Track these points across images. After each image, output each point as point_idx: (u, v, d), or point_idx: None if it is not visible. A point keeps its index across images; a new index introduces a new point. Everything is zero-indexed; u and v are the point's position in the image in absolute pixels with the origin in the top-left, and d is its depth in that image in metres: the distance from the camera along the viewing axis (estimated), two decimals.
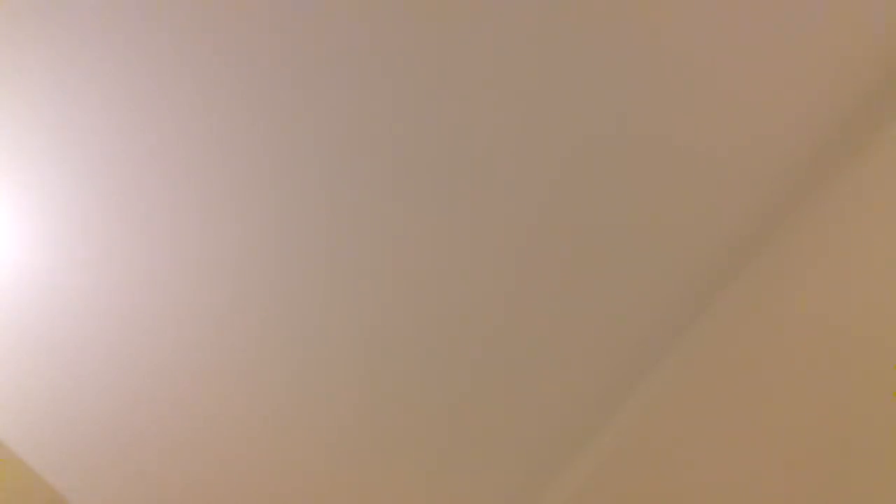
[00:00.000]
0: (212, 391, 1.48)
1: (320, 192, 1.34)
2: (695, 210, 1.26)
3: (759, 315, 1.25)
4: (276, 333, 1.44)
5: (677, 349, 1.33)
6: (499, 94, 1.24)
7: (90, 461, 1.52)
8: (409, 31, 1.22)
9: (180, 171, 1.35)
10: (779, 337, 1.22)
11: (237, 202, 1.36)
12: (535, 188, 1.29)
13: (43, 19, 1.28)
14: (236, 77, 1.28)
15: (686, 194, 1.26)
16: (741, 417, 1.23)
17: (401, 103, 1.26)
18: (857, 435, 1.10)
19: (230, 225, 1.38)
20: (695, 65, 1.18)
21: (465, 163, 1.29)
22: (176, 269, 1.42)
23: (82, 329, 1.47)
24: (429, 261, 1.36)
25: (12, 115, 1.35)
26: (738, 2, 1.13)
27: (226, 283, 1.42)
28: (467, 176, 1.30)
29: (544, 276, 1.34)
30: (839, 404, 1.12)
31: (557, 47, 1.20)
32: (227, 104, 1.30)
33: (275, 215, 1.36)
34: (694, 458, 1.27)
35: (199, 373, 1.47)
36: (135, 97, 1.31)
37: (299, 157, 1.32)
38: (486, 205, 1.31)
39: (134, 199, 1.38)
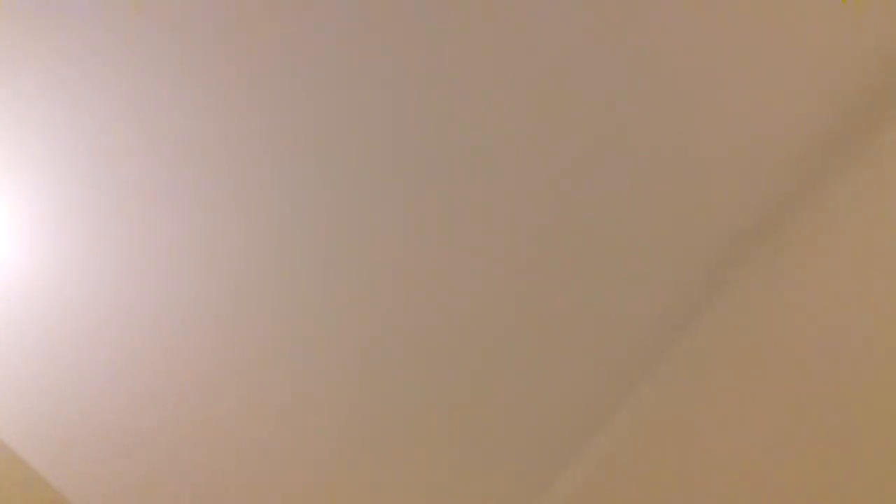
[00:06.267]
0: (212, 390, 1.48)
1: (323, 191, 1.34)
2: (695, 210, 1.26)
3: (758, 315, 1.25)
4: (277, 332, 1.44)
5: (677, 349, 1.33)
6: (502, 97, 1.24)
7: (91, 460, 1.53)
8: (413, 32, 1.22)
9: (181, 171, 1.35)
10: (778, 336, 1.22)
11: (238, 202, 1.36)
12: (537, 190, 1.29)
13: (43, 19, 1.28)
14: (237, 77, 1.28)
15: (686, 195, 1.26)
16: (741, 417, 1.24)
17: (405, 104, 1.26)
18: (857, 434, 1.10)
19: (231, 225, 1.38)
20: (695, 66, 1.18)
21: (467, 165, 1.29)
22: (176, 268, 1.42)
23: (82, 329, 1.47)
24: (430, 262, 1.36)
25: (12, 116, 1.35)
26: (739, 3, 1.13)
27: (226, 282, 1.42)
28: (469, 178, 1.30)
29: (544, 277, 1.34)
30: (839, 403, 1.12)
31: (559, 50, 1.20)
32: (229, 105, 1.30)
33: (277, 214, 1.36)
34: (693, 457, 1.27)
35: (199, 372, 1.48)
36: (135, 97, 1.31)
37: (301, 156, 1.32)
38: (488, 206, 1.31)
39: (135, 198, 1.38)
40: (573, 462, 1.43)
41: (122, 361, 1.48)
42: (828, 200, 1.19)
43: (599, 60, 1.20)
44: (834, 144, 1.18)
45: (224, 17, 1.24)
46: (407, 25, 1.21)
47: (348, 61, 1.24)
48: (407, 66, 1.24)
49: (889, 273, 1.10)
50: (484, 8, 1.18)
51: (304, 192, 1.34)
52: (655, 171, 1.25)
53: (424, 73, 1.24)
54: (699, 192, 1.25)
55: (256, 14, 1.23)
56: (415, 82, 1.25)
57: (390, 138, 1.29)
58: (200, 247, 1.40)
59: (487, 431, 1.46)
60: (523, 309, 1.37)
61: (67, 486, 1.53)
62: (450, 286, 1.37)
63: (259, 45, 1.25)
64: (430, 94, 1.25)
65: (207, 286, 1.42)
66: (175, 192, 1.37)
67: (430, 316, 1.40)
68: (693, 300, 1.31)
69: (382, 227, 1.35)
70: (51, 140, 1.36)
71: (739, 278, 1.28)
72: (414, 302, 1.39)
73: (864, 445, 1.08)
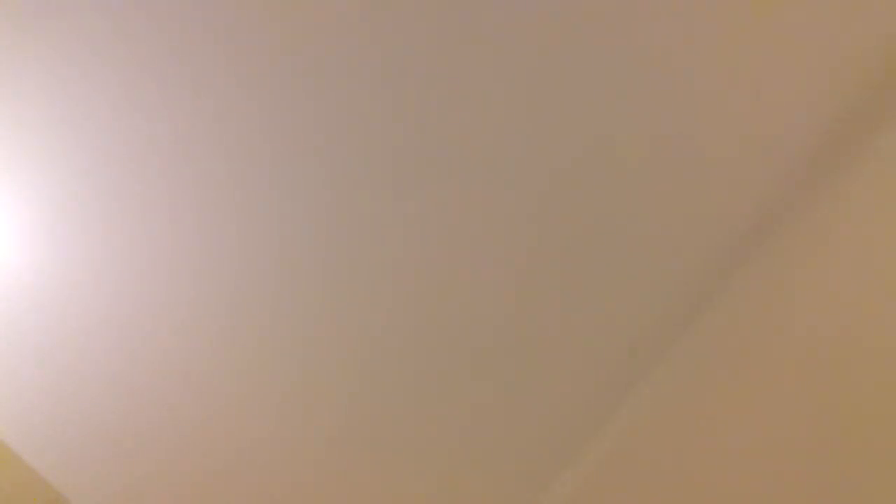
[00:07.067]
0: (213, 390, 1.48)
1: (321, 190, 1.34)
2: (695, 211, 1.26)
3: (759, 315, 1.25)
4: (277, 332, 1.44)
5: (677, 349, 1.33)
6: (500, 96, 1.24)
7: (92, 460, 1.53)
8: (412, 31, 1.21)
9: (180, 170, 1.35)
10: (778, 337, 1.22)
11: (237, 201, 1.36)
12: (537, 190, 1.29)
13: (43, 19, 1.28)
14: (237, 76, 1.28)
15: (685, 195, 1.26)
16: (741, 417, 1.23)
17: (403, 103, 1.26)
18: (858, 434, 1.10)
19: (230, 224, 1.38)
20: (695, 66, 1.18)
21: (466, 165, 1.29)
22: (176, 268, 1.42)
23: (82, 329, 1.47)
24: (430, 261, 1.36)
25: (12, 115, 1.35)
26: (740, 3, 1.13)
27: (226, 282, 1.42)
28: (468, 179, 1.30)
29: (544, 277, 1.34)
30: (839, 403, 1.12)
31: (558, 48, 1.20)
32: (228, 103, 1.30)
33: (276, 212, 1.36)
34: (694, 458, 1.27)
35: (199, 371, 1.48)
36: (135, 97, 1.31)
37: (300, 155, 1.32)
38: (487, 207, 1.31)
39: (134, 198, 1.38)
40: (573, 462, 1.43)
41: (122, 361, 1.48)
42: (828, 200, 1.19)
43: (599, 60, 1.20)
44: (834, 144, 1.18)
45: (224, 18, 1.24)
46: (407, 26, 1.21)
47: (348, 62, 1.24)
48: (406, 68, 1.24)
49: (889, 273, 1.10)
50: (484, 8, 1.18)
51: (304, 192, 1.34)
52: (655, 171, 1.25)
53: (423, 74, 1.24)
54: (699, 192, 1.25)
55: (257, 14, 1.23)
56: (413, 83, 1.25)
57: (388, 140, 1.29)
58: (200, 247, 1.40)
59: (487, 431, 1.46)
60: (523, 308, 1.37)
61: (67, 486, 1.53)
62: (449, 286, 1.37)
63: (259, 45, 1.25)
64: (430, 95, 1.25)
65: (207, 286, 1.42)
66: (175, 192, 1.37)
67: (430, 316, 1.39)
68: (693, 300, 1.31)
69: (381, 228, 1.35)
70: (51, 140, 1.36)
71: (739, 278, 1.28)
72: (413, 301, 1.39)
73: (864, 446, 1.08)
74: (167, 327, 1.45)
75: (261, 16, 1.23)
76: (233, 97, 1.29)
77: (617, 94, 1.21)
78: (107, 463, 1.53)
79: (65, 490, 1.52)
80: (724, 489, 1.23)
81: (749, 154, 1.22)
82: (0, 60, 1.31)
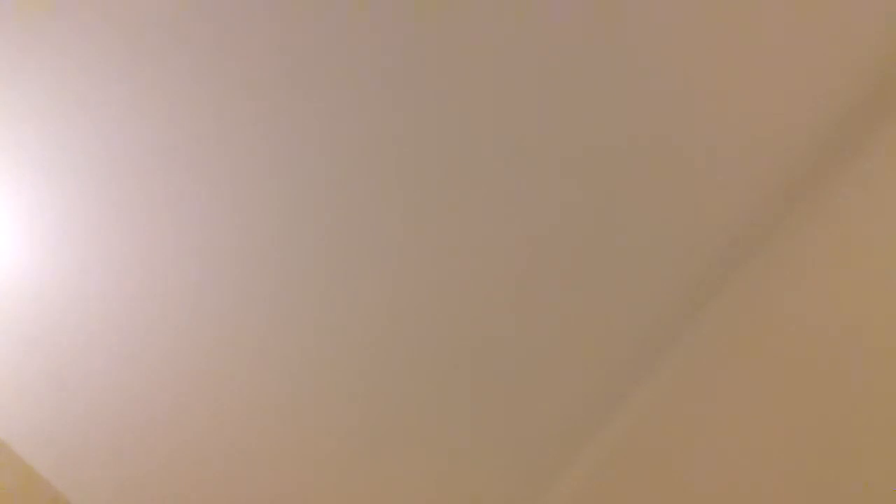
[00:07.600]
0: (213, 390, 1.48)
1: (324, 193, 1.34)
2: (695, 211, 1.26)
3: (759, 315, 1.25)
4: (277, 333, 1.44)
5: (677, 349, 1.33)
6: (500, 96, 1.24)
7: (91, 460, 1.53)
8: (414, 34, 1.22)
9: (181, 171, 1.35)
10: (778, 337, 1.22)
11: (239, 200, 1.36)
12: (538, 189, 1.29)
13: (43, 19, 1.28)
14: (238, 76, 1.28)
15: (685, 195, 1.26)
16: (741, 417, 1.24)
17: (405, 104, 1.26)
18: (858, 433, 1.10)
19: (232, 224, 1.38)
20: (694, 66, 1.18)
21: (467, 166, 1.29)
22: (177, 268, 1.42)
23: (83, 329, 1.47)
24: (431, 262, 1.36)
25: (12, 115, 1.35)
26: (738, 3, 1.13)
27: (227, 282, 1.42)
28: (469, 179, 1.30)
29: (545, 277, 1.34)
30: (839, 403, 1.12)
31: (558, 49, 1.20)
32: (229, 104, 1.30)
33: (278, 216, 1.36)
34: (694, 458, 1.27)
35: (199, 372, 1.48)
36: (135, 97, 1.31)
37: (302, 159, 1.32)
38: (488, 206, 1.31)
39: (135, 198, 1.38)
40: (574, 462, 1.43)
41: (122, 361, 1.48)
42: (828, 200, 1.19)
43: (599, 60, 1.20)
44: (834, 144, 1.18)
45: (227, 18, 1.24)
46: (409, 28, 1.21)
47: (349, 63, 1.24)
48: (407, 68, 1.24)
49: (889, 273, 1.10)
50: (486, 7, 1.18)
51: (304, 192, 1.34)
52: (655, 171, 1.25)
53: (425, 76, 1.24)
54: (699, 192, 1.25)
55: (259, 15, 1.23)
56: (414, 85, 1.25)
57: (390, 141, 1.29)
58: (201, 246, 1.40)
59: (488, 432, 1.46)
60: (523, 309, 1.37)
61: (67, 485, 1.53)
62: (450, 286, 1.37)
63: (262, 45, 1.25)
64: (431, 96, 1.25)
65: (209, 286, 1.42)
66: (176, 192, 1.37)
67: (430, 316, 1.40)
68: (693, 300, 1.31)
69: (382, 229, 1.35)
70: (52, 140, 1.36)
71: (739, 278, 1.28)
72: (414, 302, 1.39)
73: (864, 445, 1.08)
74: (167, 327, 1.45)
75: (264, 17, 1.23)
76: (236, 98, 1.29)
77: (616, 94, 1.21)
78: (107, 463, 1.53)
79: (65, 490, 1.53)
80: (724, 489, 1.23)
81: (749, 154, 1.22)
82: (0, 60, 1.31)
